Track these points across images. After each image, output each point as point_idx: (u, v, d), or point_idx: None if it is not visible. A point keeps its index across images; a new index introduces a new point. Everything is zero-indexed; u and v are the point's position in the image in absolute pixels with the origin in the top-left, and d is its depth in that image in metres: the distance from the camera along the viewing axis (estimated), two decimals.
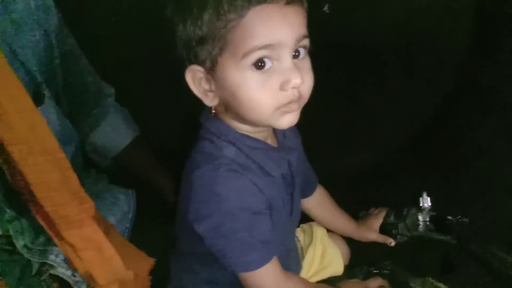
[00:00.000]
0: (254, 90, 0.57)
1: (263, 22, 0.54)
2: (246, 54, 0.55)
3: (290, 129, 0.72)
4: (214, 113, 0.66)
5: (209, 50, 0.57)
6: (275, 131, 0.73)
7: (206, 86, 0.61)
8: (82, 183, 0.88)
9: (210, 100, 0.62)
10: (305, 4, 0.59)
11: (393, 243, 0.96)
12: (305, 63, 0.61)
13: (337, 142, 1.21)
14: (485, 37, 1.04)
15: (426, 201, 0.93)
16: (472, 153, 1.01)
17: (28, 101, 0.59)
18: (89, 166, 1.05)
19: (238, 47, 0.55)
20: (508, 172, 0.92)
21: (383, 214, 0.98)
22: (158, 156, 1.12)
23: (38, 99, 0.71)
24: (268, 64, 0.57)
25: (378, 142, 1.22)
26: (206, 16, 0.55)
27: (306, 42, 0.59)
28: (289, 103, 0.59)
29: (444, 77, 1.15)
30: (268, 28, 0.55)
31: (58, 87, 0.85)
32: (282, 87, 0.57)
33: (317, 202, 0.94)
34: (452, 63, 1.13)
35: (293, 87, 0.57)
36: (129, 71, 1.10)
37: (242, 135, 0.65)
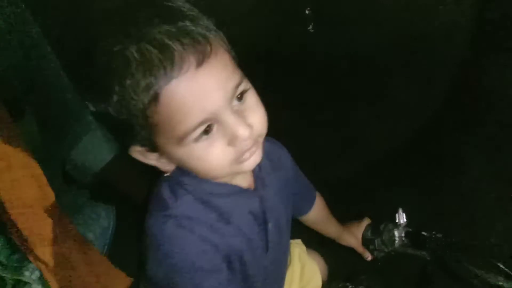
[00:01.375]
0: (204, 157, 0.53)
1: (182, 99, 0.48)
2: (183, 138, 0.51)
3: (276, 157, 0.71)
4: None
5: (140, 133, 0.52)
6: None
7: (156, 157, 0.57)
8: (62, 198, 0.88)
9: (166, 166, 0.58)
10: (223, 45, 0.53)
11: (370, 258, 0.97)
12: (250, 102, 0.55)
13: (322, 153, 1.21)
14: (485, 39, 1.05)
15: (401, 217, 0.94)
16: (452, 169, 1.02)
17: (5, 115, 0.60)
18: (70, 181, 1.05)
19: (170, 131, 0.50)
20: (485, 189, 0.93)
21: (365, 223, 0.99)
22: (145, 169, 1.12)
23: (17, 114, 0.71)
24: (213, 128, 0.52)
25: (361, 154, 1.22)
26: (115, 99, 0.49)
27: (242, 87, 0.53)
28: (243, 152, 0.55)
29: (437, 84, 1.15)
30: (192, 104, 0.49)
31: (38, 104, 0.85)
32: (231, 143, 0.53)
33: (314, 217, 0.94)
34: (447, 70, 1.12)
35: (243, 140, 0.53)
36: None
37: (202, 181, 0.59)
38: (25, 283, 0.77)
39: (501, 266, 0.80)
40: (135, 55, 0.46)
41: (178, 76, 0.47)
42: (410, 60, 1.10)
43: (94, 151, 1.04)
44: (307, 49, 1.05)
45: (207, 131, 0.51)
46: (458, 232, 0.90)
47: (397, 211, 0.94)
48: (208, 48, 0.49)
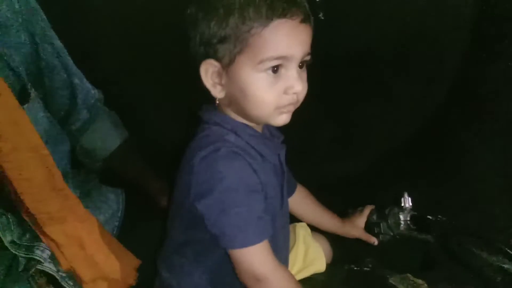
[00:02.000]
0: (262, 89, 0.66)
1: (281, 36, 0.63)
2: (263, 61, 0.64)
3: (275, 129, 0.80)
4: (213, 105, 0.72)
5: (230, 48, 0.64)
6: (263, 129, 0.77)
7: (217, 80, 0.68)
8: (72, 182, 0.90)
9: (217, 92, 0.69)
10: (312, 25, 0.68)
11: (376, 242, 0.98)
12: (304, 74, 0.70)
13: (329, 145, 1.22)
14: (485, 39, 1.05)
15: (407, 201, 0.95)
16: (456, 155, 1.02)
17: (12, 99, 0.61)
18: (80, 166, 1.07)
19: (257, 53, 0.63)
20: (488, 172, 0.93)
21: (367, 211, 1.00)
22: (153, 158, 1.14)
23: (23, 98, 0.73)
24: (280, 70, 0.65)
25: (363, 152, 1.23)
26: (231, 19, 0.62)
27: (308, 57, 0.68)
28: (287, 105, 0.67)
29: (439, 82, 1.15)
30: (285, 43, 0.63)
31: (45, 90, 0.87)
32: (286, 91, 0.66)
33: (299, 200, 0.97)
34: (450, 67, 1.13)
35: (294, 93, 0.66)
36: (125, 73, 1.12)
37: (242, 123, 0.71)
38: (37, 261, 0.79)
39: (505, 249, 0.80)
40: None
41: (289, 18, 0.62)
42: (412, 57, 1.12)
43: (103, 137, 1.06)
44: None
45: (275, 70, 0.65)
46: (462, 216, 0.90)
47: (402, 195, 0.95)
48: (308, 18, 0.66)
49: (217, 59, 0.66)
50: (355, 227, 1.00)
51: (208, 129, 0.71)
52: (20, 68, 0.71)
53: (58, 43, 0.86)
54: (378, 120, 1.20)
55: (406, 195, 0.94)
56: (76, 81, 0.95)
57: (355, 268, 0.92)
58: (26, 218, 0.71)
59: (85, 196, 0.98)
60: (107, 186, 1.06)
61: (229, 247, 0.69)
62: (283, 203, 0.79)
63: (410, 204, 0.94)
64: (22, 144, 0.61)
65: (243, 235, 0.67)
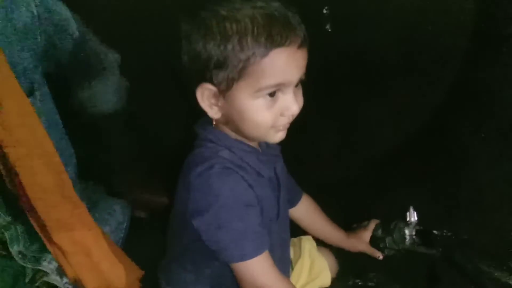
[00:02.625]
0: (260, 113, 0.67)
1: (280, 65, 0.63)
2: (261, 89, 0.64)
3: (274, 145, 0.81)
4: (209, 122, 0.74)
5: (228, 75, 0.64)
6: (259, 143, 0.79)
7: (213, 101, 0.69)
8: (79, 193, 0.91)
9: (214, 113, 0.70)
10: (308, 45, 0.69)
11: (381, 257, 0.97)
12: (299, 90, 0.71)
13: (323, 153, 1.22)
14: (486, 39, 1.05)
15: (412, 216, 0.94)
16: (461, 167, 1.01)
17: (28, 105, 0.63)
18: (87, 178, 1.08)
19: (255, 81, 0.64)
20: (494, 186, 0.92)
21: (372, 226, 1.00)
22: (155, 161, 1.15)
23: (29, 91, 0.74)
24: (276, 94, 0.67)
25: (368, 146, 1.22)
26: (229, 46, 0.62)
27: (303, 76, 0.69)
28: (284, 124, 0.69)
29: (439, 82, 1.14)
30: (283, 71, 0.64)
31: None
32: (282, 113, 0.68)
33: (305, 211, 0.97)
34: (450, 67, 1.12)
35: (291, 115, 0.68)
36: (131, 78, 1.11)
37: (236, 140, 0.73)
38: (44, 273, 0.79)
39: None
40: (263, 18, 0.62)
41: (286, 46, 0.62)
42: (412, 58, 1.11)
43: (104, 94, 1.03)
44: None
45: (272, 94, 0.66)
46: (464, 230, 0.90)
47: (407, 210, 0.95)
48: (305, 40, 0.65)
49: (214, 83, 0.66)
50: (361, 241, 1.00)
51: (203, 146, 0.72)
52: (31, 66, 0.72)
53: (76, 32, 0.84)
54: (377, 121, 1.19)
55: (411, 209, 0.94)
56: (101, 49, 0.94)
57: (360, 283, 0.92)
58: (35, 225, 0.72)
59: (92, 207, 0.99)
60: (113, 198, 1.07)
61: (229, 261, 0.70)
62: (280, 213, 0.80)
63: (416, 218, 0.93)
64: (35, 150, 0.63)
65: (240, 249, 0.68)
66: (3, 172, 0.67)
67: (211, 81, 0.66)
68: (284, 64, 0.63)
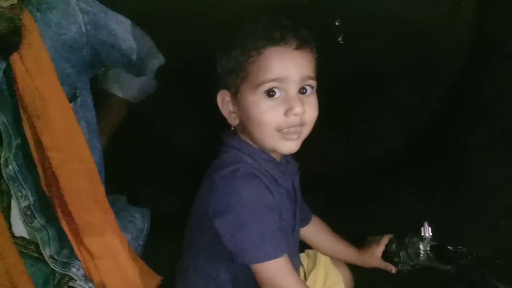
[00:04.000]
0: (263, 112, 0.70)
1: (275, 60, 0.69)
2: (260, 84, 0.69)
3: (292, 159, 0.85)
4: (234, 131, 0.78)
5: (234, 78, 0.72)
6: (280, 158, 0.81)
7: (231, 108, 0.75)
8: None
9: (232, 120, 0.76)
10: (314, 53, 0.74)
11: (394, 270, 0.98)
12: (311, 99, 0.74)
13: (336, 158, 1.23)
14: (486, 40, 1.06)
15: (427, 231, 0.95)
16: (474, 181, 1.02)
17: (70, 111, 0.67)
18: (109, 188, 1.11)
19: (255, 78, 0.70)
20: (510, 202, 0.94)
21: (385, 241, 1.01)
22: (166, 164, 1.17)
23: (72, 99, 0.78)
24: (277, 94, 0.70)
25: (368, 146, 1.23)
26: (234, 53, 0.71)
27: (311, 82, 0.73)
28: (289, 127, 0.71)
29: (440, 82, 1.17)
30: (278, 66, 0.69)
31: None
32: (286, 113, 0.70)
33: (315, 230, 1.00)
34: (450, 67, 1.14)
35: (295, 114, 0.70)
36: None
37: (258, 149, 0.76)
38: (70, 278, 0.82)
39: None
40: (263, 24, 0.71)
41: (282, 46, 0.69)
42: (413, 61, 1.13)
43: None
44: None
45: (273, 94, 0.70)
46: (479, 246, 0.91)
47: (422, 225, 0.96)
48: (306, 44, 0.72)
49: (228, 89, 0.74)
50: (373, 256, 1.01)
51: (228, 152, 0.76)
52: (75, 75, 0.76)
53: (124, 45, 0.88)
54: (377, 121, 1.21)
55: (426, 224, 0.95)
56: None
57: None
58: (65, 228, 0.75)
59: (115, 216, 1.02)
60: (133, 206, 1.10)
61: (248, 262, 0.72)
62: (295, 228, 0.82)
63: (430, 233, 0.95)
64: (74, 155, 0.66)
65: (260, 250, 0.70)
66: (42, 176, 0.70)
67: (225, 87, 0.74)
68: (279, 60, 0.69)
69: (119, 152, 1.13)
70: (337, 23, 1.14)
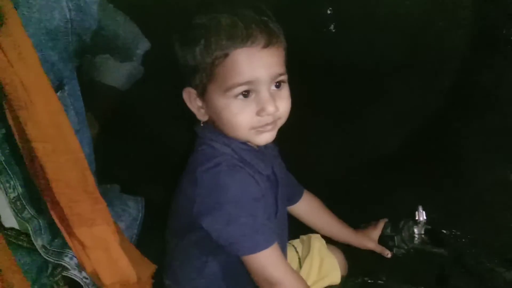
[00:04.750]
0: (234, 114, 0.69)
1: (242, 63, 0.66)
2: (229, 88, 0.67)
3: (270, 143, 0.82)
4: (207, 125, 0.76)
5: (200, 78, 0.69)
6: None
7: (199, 104, 0.73)
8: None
9: (202, 115, 0.74)
10: (283, 44, 0.71)
11: (389, 255, 0.99)
12: (283, 92, 0.72)
13: (333, 151, 1.23)
14: (486, 40, 1.06)
15: (421, 215, 0.96)
16: (467, 166, 1.02)
17: (55, 101, 0.65)
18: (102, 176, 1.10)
19: (223, 81, 0.67)
20: (503, 186, 0.94)
21: (381, 225, 1.02)
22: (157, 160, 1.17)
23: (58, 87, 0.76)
24: (250, 94, 0.68)
25: (367, 147, 1.23)
26: (197, 51, 0.67)
27: (282, 78, 0.71)
28: (263, 125, 0.70)
29: (439, 83, 1.16)
30: (247, 68, 0.66)
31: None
32: (258, 113, 0.69)
33: (308, 208, 0.99)
34: (450, 69, 1.13)
35: (267, 114, 0.69)
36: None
37: (234, 139, 0.74)
38: (63, 267, 0.81)
39: None
40: (226, 22, 0.65)
41: (248, 46, 0.65)
42: (412, 60, 1.12)
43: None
44: (308, 49, 1.07)
45: (245, 95, 0.68)
46: (472, 230, 0.91)
47: (416, 209, 0.97)
48: (275, 40, 0.68)
49: (193, 87, 0.71)
50: (369, 239, 1.01)
51: (204, 144, 0.75)
52: (61, 63, 0.74)
53: (109, 31, 0.86)
54: (377, 121, 1.20)
55: (420, 208, 0.95)
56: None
57: (369, 281, 0.93)
58: (56, 220, 0.74)
59: (108, 206, 1.01)
60: (127, 195, 1.09)
61: (240, 254, 0.71)
62: (278, 211, 0.81)
63: (425, 217, 0.95)
64: (61, 146, 0.65)
65: (252, 242, 0.70)
66: (29, 166, 0.69)
67: (191, 85, 0.71)
68: (247, 63, 0.66)
69: (112, 142, 1.13)
70: (329, 12, 1.13)
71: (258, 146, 0.78)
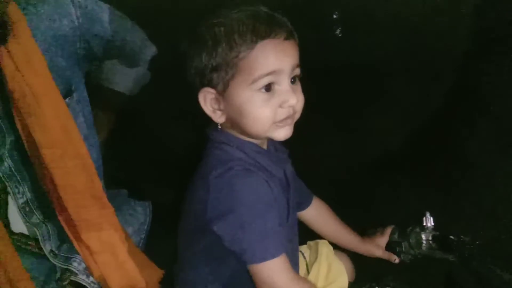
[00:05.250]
0: (259, 107, 0.69)
1: (268, 53, 0.67)
2: (255, 80, 0.68)
3: (280, 144, 0.83)
4: (220, 128, 0.76)
5: (222, 75, 0.69)
6: (267, 145, 0.81)
7: (216, 106, 0.73)
8: None
9: (218, 118, 0.73)
10: (297, 40, 0.73)
11: (397, 260, 0.98)
12: (298, 87, 0.74)
13: (339, 153, 1.23)
14: (486, 40, 1.06)
15: (429, 221, 0.95)
16: (474, 172, 1.01)
17: (64, 107, 0.66)
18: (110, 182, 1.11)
19: (248, 74, 0.68)
20: (510, 191, 0.93)
21: (389, 231, 1.01)
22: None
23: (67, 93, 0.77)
24: (272, 87, 0.69)
25: (377, 152, 1.23)
26: (220, 49, 0.68)
27: (298, 71, 0.72)
28: (284, 118, 0.71)
29: (439, 83, 1.16)
30: (272, 59, 0.68)
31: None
32: (281, 105, 0.70)
33: (316, 214, 0.99)
34: (454, 68, 1.13)
35: (289, 106, 0.70)
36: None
37: (247, 141, 0.75)
38: (72, 272, 0.82)
39: None
40: (248, 17, 0.68)
41: (272, 38, 0.67)
42: (412, 62, 1.13)
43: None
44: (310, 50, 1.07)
45: (267, 89, 0.69)
46: (480, 235, 0.90)
47: (424, 215, 0.96)
48: (293, 33, 0.71)
49: (212, 86, 0.71)
50: (376, 246, 1.00)
51: (217, 148, 0.75)
52: (70, 69, 0.75)
53: (117, 37, 0.87)
54: (380, 122, 1.20)
55: (428, 214, 0.94)
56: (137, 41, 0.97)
57: (376, 287, 0.93)
58: (63, 224, 0.75)
59: (115, 210, 1.02)
60: (134, 199, 1.10)
61: (250, 262, 0.71)
62: (289, 216, 0.81)
63: (432, 223, 0.94)
64: (70, 151, 0.66)
65: (262, 249, 0.70)
66: (38, 172, 0.70)
67: (209, 84, 0.71)
68: (272, 54, 0.68)
69: (119, 147, 1.13)
70: (334, 16, 1.13)
71: (269, 147, 0.79)
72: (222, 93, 0.71)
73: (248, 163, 0.72)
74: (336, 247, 1.00)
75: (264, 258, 0.70)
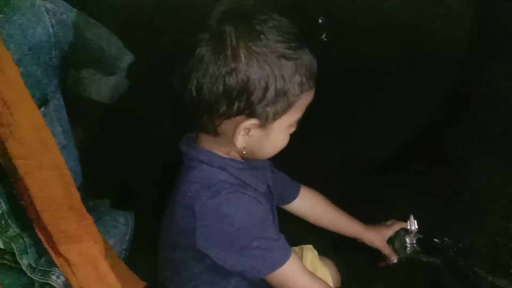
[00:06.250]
0: (285, 140, 0.72)
1: (310, 98, 0.70)
2: (295, 122, 0.71)
3: None
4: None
5: (278, 110, 0.66)
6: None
7: (243, 132, 0.67)
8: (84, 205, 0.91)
9: (240, 143, 0.68)
10: None
11: (395, 260, 0.96)
12: None
13: (328, 158, 1.23)
14: (485, 40, 1.06)
15: (413, 224, 0.95)
16: (459, 174, 1.02)
17: (39, 116, 0.64)
18: (91, 191, 1.09)
19: (294, 115, 0.69)
20: (494, 194, 0.93)
21: (396, 227, 0.99)
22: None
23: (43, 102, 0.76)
24: None
25: (367, 148, 1.23)
26: (292, 82, 0.65)
27: None
28: None
29: (439, 84, 1.16)
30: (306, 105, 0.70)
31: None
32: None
33: (310, 206, 0.97)
34: (450, 68, 1.13)
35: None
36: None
37: (228, 158, 0.72)
38: (51, 286, 0.80)
39: None
40: (310, 60, 0.68)
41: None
42: (410, 63, 1.13)
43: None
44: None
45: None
46: (464, 238, 0.91)
47: (408, 218, 0.96)
48: None
49: (255, 116, 0.65)
50: (379, 236, 0.98)
51: (196, 168, 0.71)
52: (44, 81, 0.74)
53: (93, 45, 0.88)
54: (375, 126, 1.20)
55: (412, 218, 0.95)
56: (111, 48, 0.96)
57: None
58: (41, 237, 0.72)
59: (97, 220, 1.00)
60: (116, 210, 1.08)
61: (261, 276, 0.69)
62: (274, 219, 0.80)
63: (416, 227, 0.95)
64: (46, 162, 0.64)
65: (270, 261, 0.68)
66: (13, 183, 0.68)
67: (253, 115, 0.65)
68: (310, 98, 0.70)
69: (100, 156, 1.11)
70: (320, 21, 1.13)
71: (249, 161, 0.75)
72: (265, 124, 0.67)
73: (234, 184, 0.69)
74: (321, 252, 1.00)
75: (273, 268, 0.69)
